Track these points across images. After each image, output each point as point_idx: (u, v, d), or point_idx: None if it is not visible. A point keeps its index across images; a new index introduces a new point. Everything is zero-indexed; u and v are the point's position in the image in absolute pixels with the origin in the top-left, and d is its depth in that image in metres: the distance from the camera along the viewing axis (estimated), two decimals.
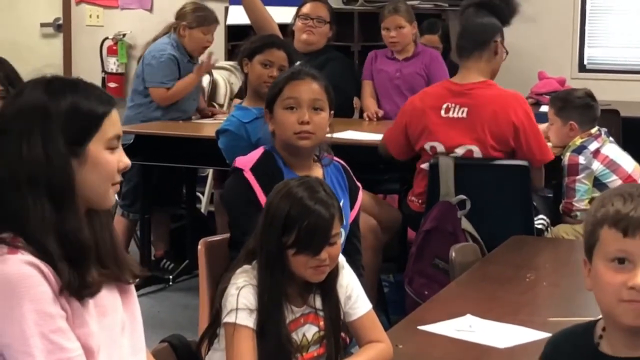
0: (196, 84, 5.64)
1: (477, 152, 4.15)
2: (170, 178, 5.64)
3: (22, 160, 1.80)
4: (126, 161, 1.91)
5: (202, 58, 5.69)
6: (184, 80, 5.55)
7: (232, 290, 2.34)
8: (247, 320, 2.30)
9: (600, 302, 1.75)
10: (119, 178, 1.91)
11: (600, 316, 1.80)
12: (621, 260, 1.69)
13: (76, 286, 1.78)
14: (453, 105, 4.18)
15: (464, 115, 4.15)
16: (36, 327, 1.72)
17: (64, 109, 1.83)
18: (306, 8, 5.59)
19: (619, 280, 1.69)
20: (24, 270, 1.73)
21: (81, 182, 1.84)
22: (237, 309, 2.31)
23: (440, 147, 4.20)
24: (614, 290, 1.70)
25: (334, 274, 2.41)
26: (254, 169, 2.96)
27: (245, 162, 3.01)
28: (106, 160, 1.87)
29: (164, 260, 5.72)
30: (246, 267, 2.40)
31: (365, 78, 5.75)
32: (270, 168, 2.98)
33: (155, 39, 5.71)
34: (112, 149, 1.88)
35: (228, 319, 2.31)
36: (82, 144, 1.83)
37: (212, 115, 5.88)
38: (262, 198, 2.90)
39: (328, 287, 2.41)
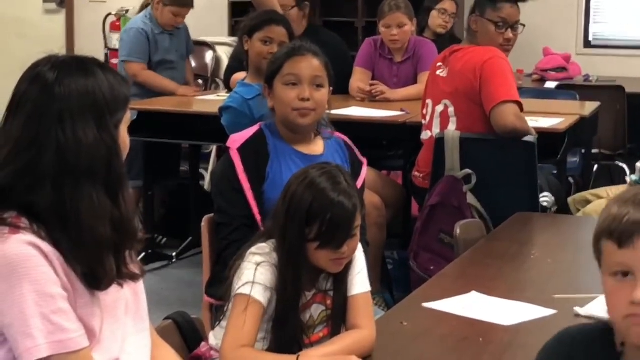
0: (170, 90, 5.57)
1: (449, 105, 4.19)
2: (169, 152, 5.63)
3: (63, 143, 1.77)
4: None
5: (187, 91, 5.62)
6: (162, 80, 5.54)
7: (249, 265, 2.29)
8: (262, 296, 2.26)
9: (611, 319, 1.63)
10: None
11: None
12: (624, 274, 1.56)
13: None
14: (442, 65, 4.33)
15: (446, 74, 4.27)
16: (36, 307, 1.70)
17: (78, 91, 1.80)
18: None
19: (621, 296, 1.56)
20: (24, 251, 1.71)
21: None
22: (253, 282, 2.26)
23: (430, 104, 4.31)
24: (619, 307, 1.58)
25: (350, 261, 2.36)
26: (241, 149, 2.94)
27: (236, 139, 2.99)
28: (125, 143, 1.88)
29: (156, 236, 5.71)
30: (262, 245, 2.34)
31: (359, 65, 5.49)
32: (259, 148, 2.96)
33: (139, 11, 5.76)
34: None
35: (243, 290, 2.26)
36: (117, 127, 1.83)
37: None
38: (243, 179, 2.89)
39: (342, 273, 2.35)
